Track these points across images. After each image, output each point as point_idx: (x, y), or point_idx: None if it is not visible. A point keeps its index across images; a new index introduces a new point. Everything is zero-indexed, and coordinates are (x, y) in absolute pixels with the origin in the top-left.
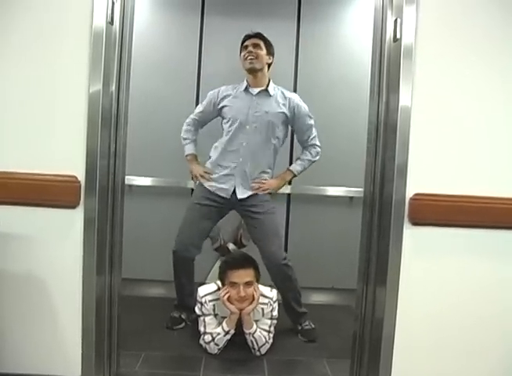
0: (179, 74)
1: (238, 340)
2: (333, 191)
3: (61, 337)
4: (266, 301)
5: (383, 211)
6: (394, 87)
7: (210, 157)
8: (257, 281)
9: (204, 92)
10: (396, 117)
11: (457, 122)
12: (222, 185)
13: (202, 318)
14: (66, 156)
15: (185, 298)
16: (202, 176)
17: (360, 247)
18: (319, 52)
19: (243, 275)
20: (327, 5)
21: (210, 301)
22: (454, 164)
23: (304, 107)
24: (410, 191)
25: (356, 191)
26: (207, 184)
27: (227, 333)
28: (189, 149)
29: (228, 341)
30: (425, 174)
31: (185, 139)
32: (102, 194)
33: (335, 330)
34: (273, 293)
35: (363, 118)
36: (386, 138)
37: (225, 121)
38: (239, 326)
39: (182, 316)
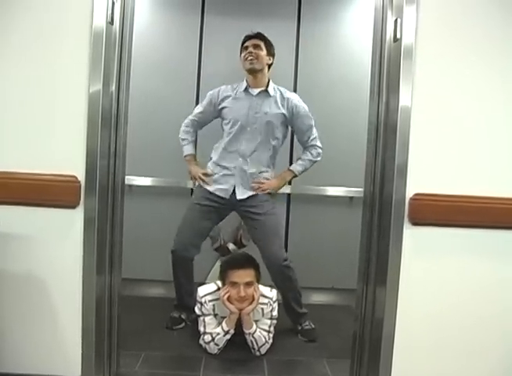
0: (179, 74)
1: (238, 340)
2: (333, 191)
3: (61, 337)
4: (266, 301)
5: (383, 211)
6: (394, 87)
7: (211, 158)
8: (258, 281)
9: (204, 92)
10: (396, 118)
11: (457, 122)
12: (222, 185)
13: (202, 318)
14: (66, 156)
15: (185, 298)
16: (200, 178)
17: (360, 247)
18: (319, 52)
19: (244, 275)
20: (327, 5)
21: (210, 301)
22: (454, 164)
23: (304, 107)
24: (410, 191)
25: (356, 191)
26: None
27: (227, 333)
28: (187, 149)
29: (228, 341)
30: (425, 174)
31: (183, 139)
32: (102, 194)
33: (335, 330)
34: (273, 293)
35: (363, 118)
36: (386, 138)
37: (225, 122)
38: (238, 326)
39: (182, 316)
